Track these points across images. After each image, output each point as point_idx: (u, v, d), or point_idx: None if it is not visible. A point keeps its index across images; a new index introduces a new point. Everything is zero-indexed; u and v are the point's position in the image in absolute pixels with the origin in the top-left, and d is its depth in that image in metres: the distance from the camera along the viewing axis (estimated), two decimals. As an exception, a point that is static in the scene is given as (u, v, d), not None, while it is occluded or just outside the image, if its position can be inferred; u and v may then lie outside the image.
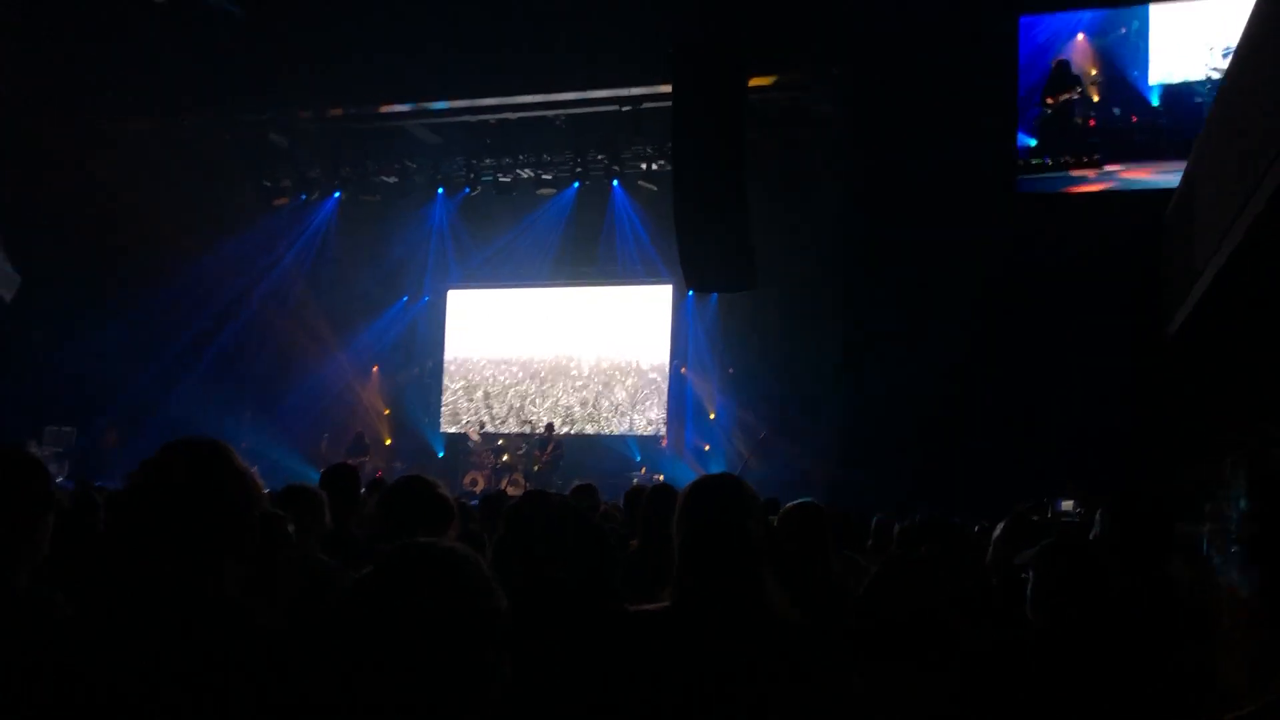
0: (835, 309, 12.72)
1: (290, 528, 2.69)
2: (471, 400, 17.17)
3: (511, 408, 16.87)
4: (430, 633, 1.27)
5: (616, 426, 16.24)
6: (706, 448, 14.72)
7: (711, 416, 14.96)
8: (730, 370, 14.67)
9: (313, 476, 6.15)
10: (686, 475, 12.78)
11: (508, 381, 17.07)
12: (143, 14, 12.93)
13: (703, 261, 11.70)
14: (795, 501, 3.51)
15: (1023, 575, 2.74)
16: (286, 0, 13.25)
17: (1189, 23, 11.52)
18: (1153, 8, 11.65)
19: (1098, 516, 3.12)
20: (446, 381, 17.32)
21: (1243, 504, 1.16)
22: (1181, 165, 9.77)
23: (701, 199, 11.41)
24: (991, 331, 11.24)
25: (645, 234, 15.00)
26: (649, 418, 16.14)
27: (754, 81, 12.00)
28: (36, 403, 13.26)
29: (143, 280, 14.44)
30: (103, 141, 14.11)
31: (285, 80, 13.65)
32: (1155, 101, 11.61)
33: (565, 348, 16.80)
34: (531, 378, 16.97)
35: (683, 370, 15.73)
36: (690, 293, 14.70)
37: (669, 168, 12.86)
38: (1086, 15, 11.93)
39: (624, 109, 13.64)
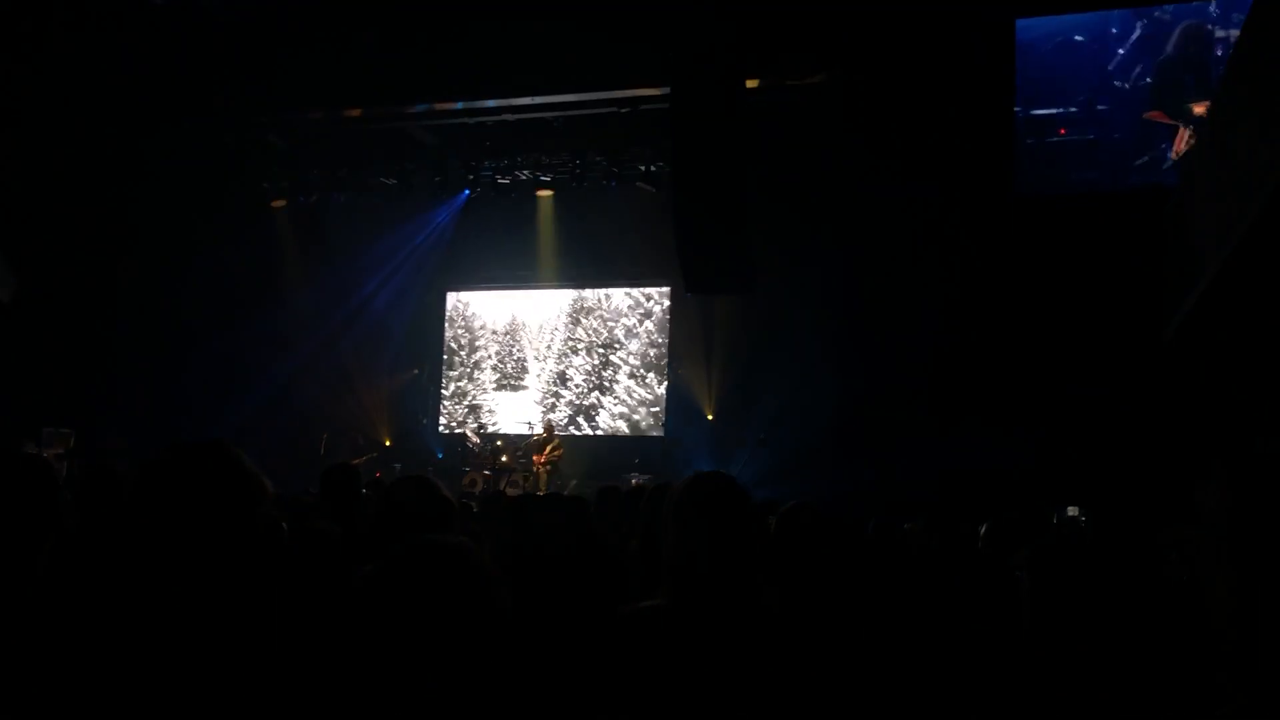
0: (833, 311, 12.74)
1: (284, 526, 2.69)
2: (470, 401, 17.18)
3: (510, 408, 16.87)
4: (437, 626, 1.28)
5: (615, 427, 16.25)
6: (705, 448, 14.72)
7: (710, 418, 14.97)
8: (728, 372, 14.69)
9: (312, 478, 6.15)
10: (684, 476, 12.76)
11: (506, 382, 17.07)
12: (139, 14, 12.93)
13: (701, 263, 11.71)
14: (792, 502, 3.52)
15: (1017, 575, 2.76)
16: (284, 2, 13.25)
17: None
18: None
19: (1088, 517, 3.14)
20: (445, 382, 17.32)
21: (1218, 505, 1.18)
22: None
23: (700, 200, 11.43)
24: (989, 334, 11.26)
25: (644, 235, 14.99)
26: (648, 419, 16.14)
27: (751, 83, 12.01)
28: (34, 404, 13.25)
29: (141, 282, 14.46)
30: (100, 143, 14.11)
31: (283, 82, 13.65)
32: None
33: (564, 349, 16.81)
34: (530, 378, 16.98)
35: (680, 371, 15.74)
36: (689, 294, 14.71)
37: (668, 169, 12.88)
38: (1083, 19, 11.94)
39: (622, 110, 13.65)
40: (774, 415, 13.34)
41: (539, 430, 15.30)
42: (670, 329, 16.08)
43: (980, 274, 11.41)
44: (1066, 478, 9.70)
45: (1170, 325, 9.31)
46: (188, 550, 1.73)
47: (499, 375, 17.13)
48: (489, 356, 17.23)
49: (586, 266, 16.09)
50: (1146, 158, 11.67)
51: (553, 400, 16.71)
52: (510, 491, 13.21)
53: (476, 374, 17.28)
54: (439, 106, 14.39)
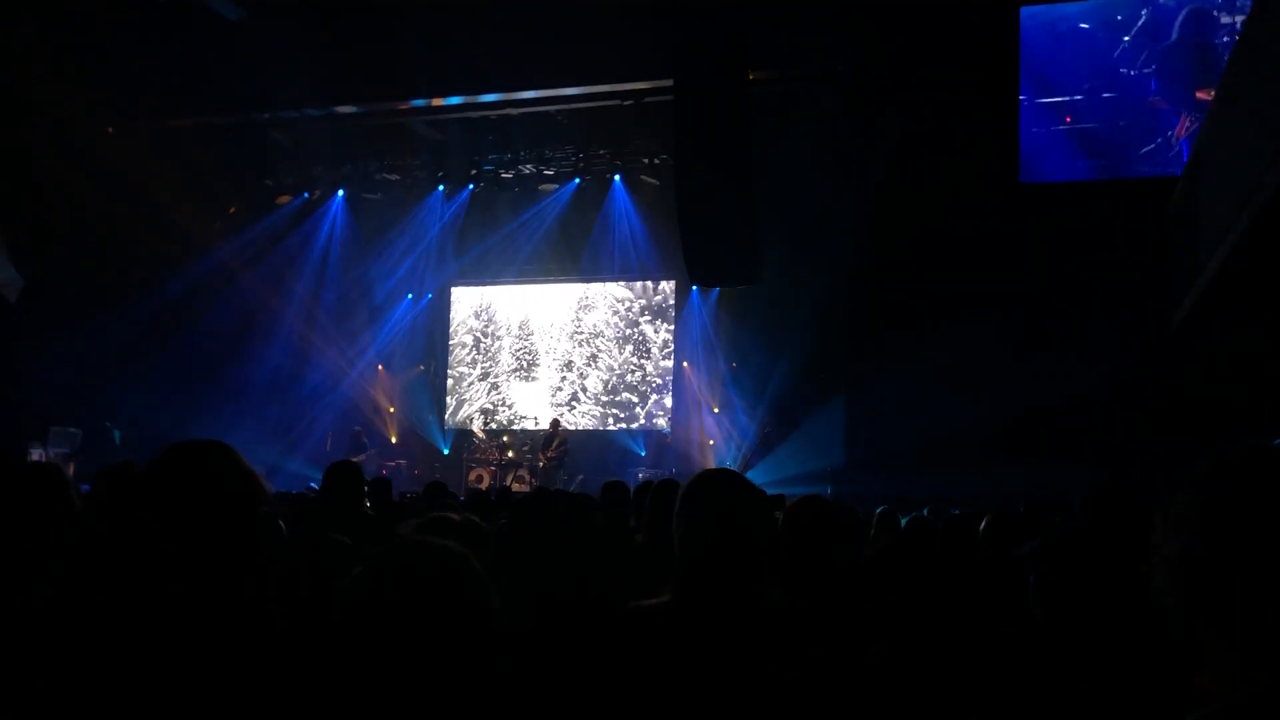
0: (839, 302, 12.71)
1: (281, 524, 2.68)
2: (476, 397, 17.19)
3: (516, 404, 16.88)
4: (424, 630, 1.27)
5: (621, 422, 16.25)
6: (711, 442, 14.72)
7: (715, 411, 14.96)
8: (734, 365, 14.67)
9: (317, 475, 6.16)
10: (691, 470, 12.79)
11: (512, 377, 17.08)
12: (144, 14, 12.94)
13: (706, 256, 11.69)
14: (802, 495, 3.50)
15: (1025, 568, 2.74)
16: (287, -1, 13.26)
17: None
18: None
19: (1085, 503, 3.12)
20: (450, 378, 17.34)
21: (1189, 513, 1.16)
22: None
23: (705, 193, 11.41)
24: (996, 323, 11.22)
25: (649, 228, 14.98)
26: (653, 413, 16.14)
27: (755, 74, 11.98)
28: (41, 403, 13.28)
29: (147, 280, 14.48)
30: (106, 142, 14.13)
31: (287, 78, 13.64)
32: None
33: (569, 343, 16.81)
34: (535, 373, 16.98)
35: (685, 365, 15.73)
36: (694, 287, 14.70)
37: (672, 162, 12.86)
38: (1088, 6, 11.88)
39: (626, 103, 13.62)
40: (779, 409, 13.33)
41: (545, 425, 15.31)
42: (676, 322, 16.07)
43: (987, 262, 11.36)
44: (1071, 468, 9.66)
45: (1178, 312, 9.27)
46: (187, 550, 1.74)
47: (504, 370, 17.14)
48: (494, 352, 17.24)
49: (591, 260, 16.08)
50: (1152, 145, 11.61)
51: (558, 395, 16.71)
52: (516, 486, 13.24)
53: (482, 369, 17.28)
54: (442, 102, 14.37)
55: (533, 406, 16.66)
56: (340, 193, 16.26)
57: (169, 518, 1.75)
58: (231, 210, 15.51)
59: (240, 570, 1.78)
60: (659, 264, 15.43)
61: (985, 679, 2.39)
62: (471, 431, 16.27)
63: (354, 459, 12.96)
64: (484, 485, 14.18)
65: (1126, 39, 11.69)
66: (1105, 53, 11.75)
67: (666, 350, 16.15)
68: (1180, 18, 11.48)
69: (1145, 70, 11.61)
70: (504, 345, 17.18)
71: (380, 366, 16.90)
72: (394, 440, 16.44)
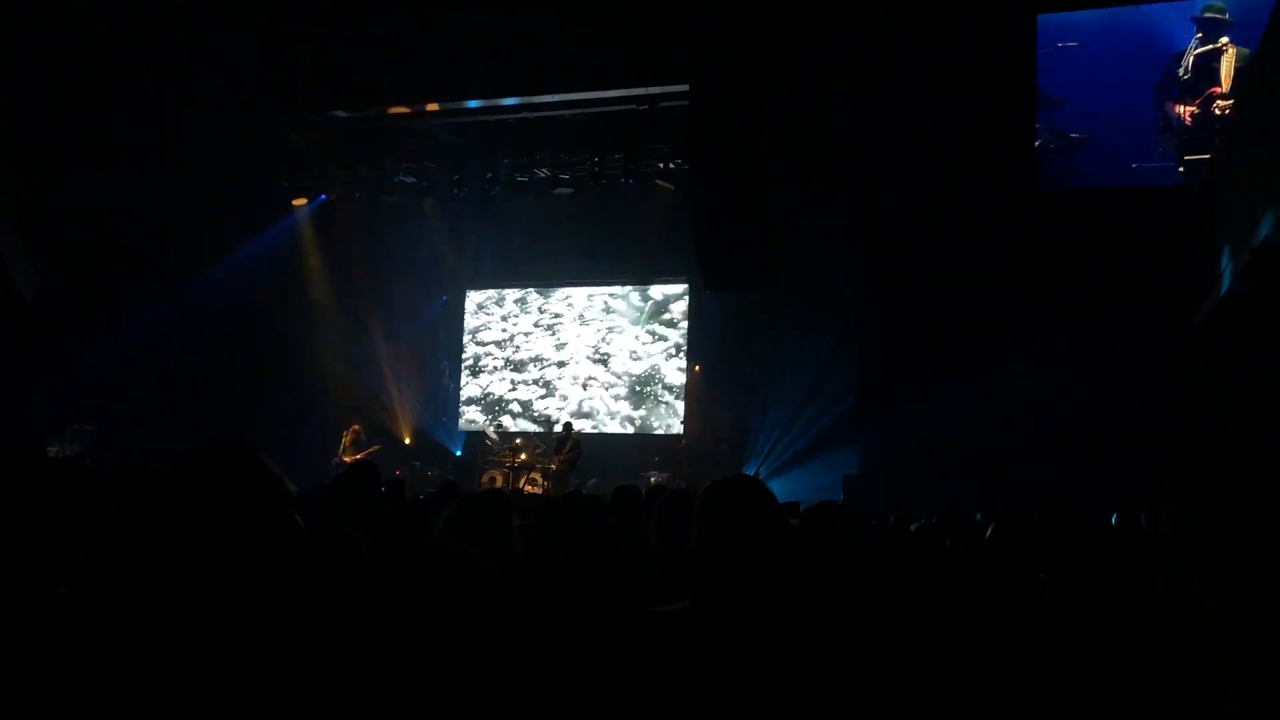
0: (853, 306, 12.68)
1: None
2: (489, 399, 17.22)
3: (529, 406, 16.90)
4: (435, 633, 1.27)
5: (634, 425, 16.25)
6: (724, 446, 14.71)
7: (727, 415, 14.95)
8: (747, 369, 14.66)
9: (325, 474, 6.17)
10: (703, 475, 12.78)
11: (526, 380, 17.10)
12: (161, 14, 13.02)
13: (720, 260, 11.70)
14: (817, 502, 3.50)
15: (1041, 575, 2.74)
16: (304, 2, 13.31)
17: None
18: None
19: (1115, 519, 3.11)
20: (464, 380, 17.37)
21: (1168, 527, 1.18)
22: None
23: (719, 197, 11.41)
24: (1011, 331, 11.18)
25: (662, 233, 14.99)
26: (666, 417, 16.14)
27: (770, 79, 11.97)
28: (60, 401, 13.37)
29: (164, 280, 14.55)
30: (123, 142, 14.21)
31: (304, 80, 13.71)
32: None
33: (583, 347, 16.82)
34: (550, 376, 16.99)
35: (697, 369, 15.73)
36: (707, 291, 14.70)
37: (686, 166, 12.86)
38: (1098, 15, 11.84)
39: (641, 108, 13.63)
40: (794, 413, 13.31)
41: (558, 429, 15.32)
42: (689, 326, 16.06)
43: (1003, 268, 11.32)
44: (1085, 477, 9.62)
45: (1197, 318, 9.23)
46: (213, 553, 1.74)
47: (518, 374, 17.16)
48: (508, 355, 17.26)
49: (605, 264, 16.09)
50: (1168, 151, 11.57)
51: (571, 398, 16.72)
52: (529, 489, 13.26)
53: (495, 372, 17.31)
54: (458, 105, 14.42)
55: (545, 409, 16.67)
56: (356, 195, 16.32)
57: (196, 520, 1.76)
58: (249, 211, 15.56)
59: (265, 572, 1.78)
60: (672, 268, 15.44)
61: (999, 684, 2.39)
62: (484, 434, 16.29)
63: (355, 457, 13.03)
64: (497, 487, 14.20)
65: (1142, 48, 11.65)
66: (1121, 62, 11.71)
67: (679, 354, 16.14)
68: (1193, 29, 11.45)
69: (1159, 79, 11.57)
70: (518, 348, 17.20)
71: (394, 368, 16.94)
72: (407, 442, 16.48)
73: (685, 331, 16.11)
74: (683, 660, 2.09)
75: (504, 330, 17.36)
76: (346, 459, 13.13)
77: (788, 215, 12.26)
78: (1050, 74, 11.94)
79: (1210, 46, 11.38)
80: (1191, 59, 11.43)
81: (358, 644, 1.28)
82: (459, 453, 16.49)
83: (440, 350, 17.28)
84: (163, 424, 13.47)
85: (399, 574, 1.32)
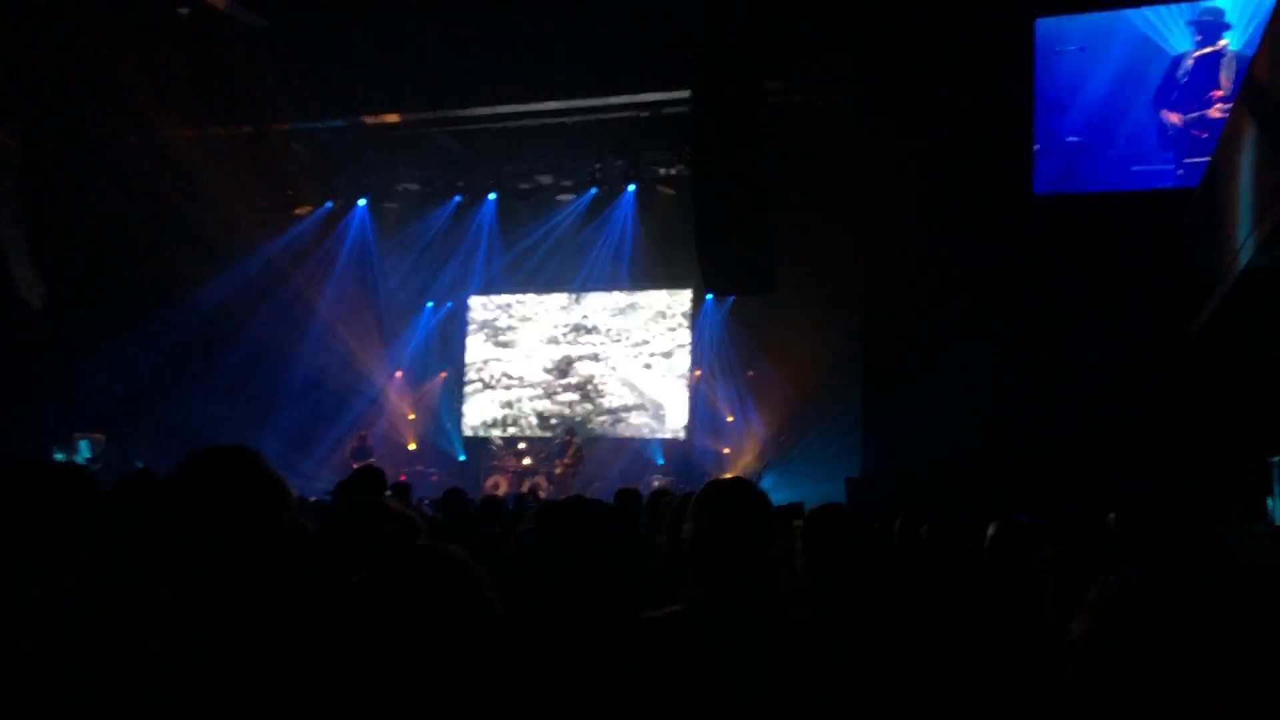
0: (853, 311, 12.69)
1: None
2: (493, 404, 17.23)
3: (533, 411, 16.92)
4: (425, 637, 1.28)
5: (637, 430, 16.26)
6: (726, 450, 14.71)
7: (729, 420, 14.95)
8: (750, 374, 14.67)
9: (330, 481, 6.18)
10: (707, 479, 12.77)
11: (529, 385, 17.12)
12: (166, 23, 13.07)
13: (722, 265, 11.72)
14: (820, 503, 3.51)
15: (1041, 577, 2.75)
16: (308, 10, 13.36)
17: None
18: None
19: (1112, 518, 3.12)
20: (468, 386, 17.39)
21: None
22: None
23: (720, 203, 11.44)
24: (1011, 334, 11.18)
25: (664, 238, 15.02)
26: (669, 421, 16.15)
27: (771, 85, 12.00)
28: (68, 410, 13.40)
29: (170, 287, 14.59)
30: (128, 150, 14.26)
31: (307, 89, 13.75)
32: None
33: (586, 351, 16.84)
34: (553, 381, 17.01)
35: (696, 373, 15.75)
36: (709, 296, 14.71)
37: (688, 172, 12.89)
38: (1103, 17, 11.85)
39: (643, 114, 13.67)
40: (795, 417, 13.32)
41: (561, 433, 15.33)
42: (692, 331, 16.09)
43: (1001, 273, 11.33)
44: (1087, 481, 9.61)
45: (1196, 321, 9.23)
46: (215, 555, 1.76)
47: (522, 378, 17.18)
48: (512, 360, 17.28)
49: (607, 269, 16.12)
50: (1166, 154, 11.57)
51: (574, 403, 16.74)
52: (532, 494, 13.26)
53: (499, 377, 17.33)
54: (462, 112, 14.46)
55: (549, 414, 16.69)
56: (361, 202, 16.36)
57: (192, 522, 1.77)
58: (253, 219, 15.59)
59: (263, 574, 1.79)
60: (675, 273, 15.46)
61: (1000, 687, 2.40)
62: (488, 439, 16.31)
63: (360, 464, 13.06)
64: (501, 492, 14.22)
65: (1138, 52, 11.65)
66: (1118, 66, 11.72)
67: (682, 358, 16.16)
68: (1190, 31, 11.46)
69: (1157, 82, 11.57)
70: (521, 353, 17.22)
71: (398, 374, 16.98)
72: (412, 447, 16.50)
73: (688, 336, 16.13)
74: (675, 663, 2.10)
75: (508, 335, 17.38)
76: (355, 465, 13.17)
77: (789, 220, 12.28)
78: (1048, 78, 11.95)
79: (1209, 49, 11.39)
80: (1190, 61, 11.44)
81: (348, 646, 1.29)
82: (462, 457, 16.51)
83: (444, 355, 17.31)
84: (171, 433, 13.49)
85: (388, 577, 1.32)
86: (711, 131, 11.46)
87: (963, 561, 3.81)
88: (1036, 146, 11.96)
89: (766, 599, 2.18)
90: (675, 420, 16.08)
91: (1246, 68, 8.49)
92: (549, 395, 16.95)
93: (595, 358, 16.76)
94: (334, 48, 13.40)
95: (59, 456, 12.26)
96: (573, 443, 14.71)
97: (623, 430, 16.35)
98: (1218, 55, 11.36)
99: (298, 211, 16.34)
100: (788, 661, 2.12)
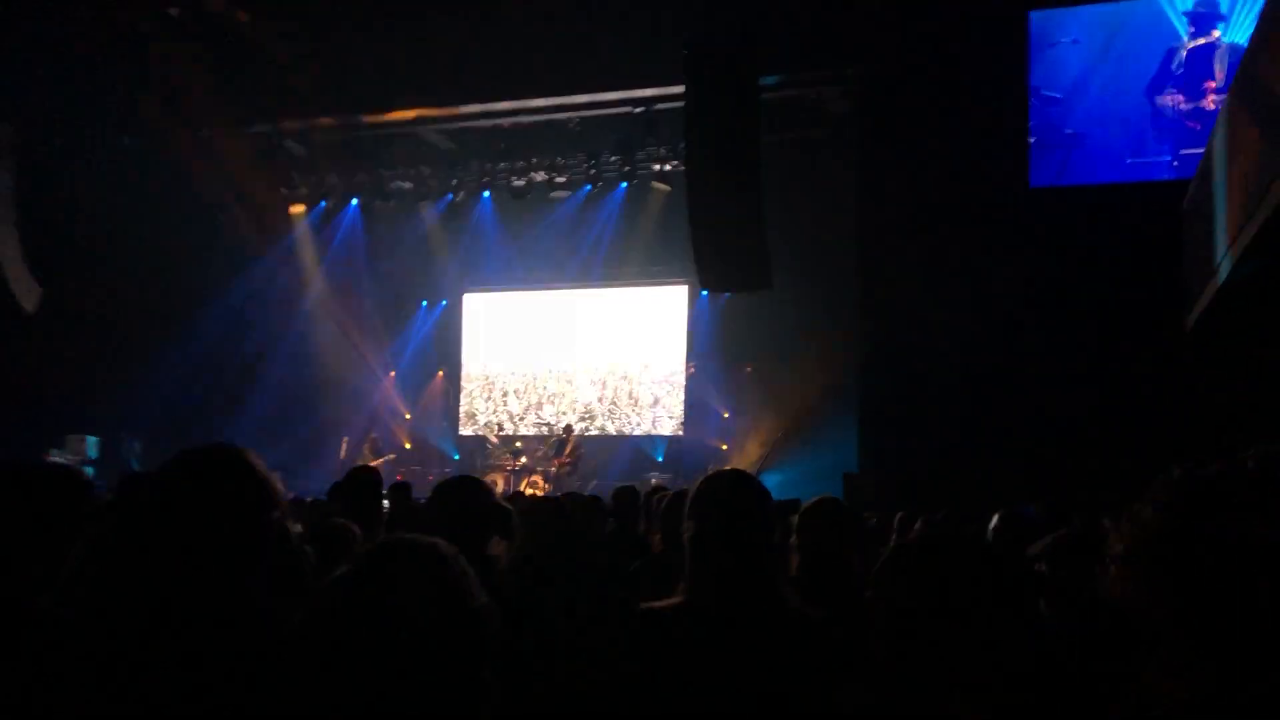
0: (850, 307, 12.69)
1: (297, 528, 2.68)
2: (489, 403, 17.21)
3: (529, 409, 16.90)
4: (408, 630, 1.26)
5: (634, 427, 16.25)
6: (724, 447, 14.70)
7: (725, 416, 14.94)
8: (747, 370, 14.66)
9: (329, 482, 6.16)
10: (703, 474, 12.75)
11: (525, 383, 17.10)
12: (155, 23, 13.02)
13: (717, 261, 11.70)
14: (816, 497, 3.50)
15: (1036, 568, 2.74)
16: (299, 8, 13.32)
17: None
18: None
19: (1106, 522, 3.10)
20: (464, 384, 17.37)
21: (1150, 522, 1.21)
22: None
23: (715, 199, 11.42)
24: (1007, 328, 11.18)
25: (660, 234, 15.00)
26: (666, 418, 16.14)
27: (765, 80, 11.98)
28: (60, 411, 13.37)
29: (161, 289, 14.55)
30: (118, 152, 14.22)
31: (300, 88, 13.71)
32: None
33: (582, 349, 16.82)
34: (549, 379, 17.00)
35: (690, 369, 15.74)
36: (705, 293, 14.70)
37: (683, 168, 12.87)
38: (1097, 10, 11.85)
39: (637, 110, 13.64)
40: (792, 413, 13.31)
41: (558, 432, 15.32)
42: (688, 328, 16.07)
43: (998, 266, 11.33)
44: (1085, 470, 9.61)
45: (1191, 315, 9.23)
46: (201, 555, 1.74)
47: (517, 377, 17.16)
48: (507, 358, 17.26)
49: (602, 267, 16.11)
50: (1161, 146, 11.58)
51: (571, 401, 16.72)
52: (529, 492, 13.26)
53: (495, 376, 17.31)
54: (455, 110, 14.42)
55: (546, 412, 16.67)
56: (354, 201, 16.34)
57: (178, 521, 1.75)
58: (246, 219, 15.56)
59: (249, 574, 1.77)
60: (670, 270, 15.45)
61: (996, 679, 2.39)
62: (484, 437, 16.29)
63: (372, 464, 13.07)
64: (498, 490, 14.20)
65: (1133, 43, 11.65)
66: (1112, 57, 11.72)
67: (679, 355, 16.15)
68: (1185, 22, 11.46)
69: (1152, 73, 11.58)
70: (517, 351, 17.20)
71: (393, 373, 16.97)
72: (408, 446, 16.49)
73: (684, 333, 16.11)
74: (675, 655, 2.09)
75: (502, 333, 17.36)
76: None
77: (784, 216, 12.27)
78: (1043, 70, 11.95)
79: (1203, 40, 11.39)
80: (1185, 53, 11.44)
81: (329, 642, 1.28)
82: (457, 456, 16.50)
83: (439, 354, 17.29)
84: (165, 435, 13.47)
85: (369, 570, 1.31)
86: (706, 127, 11.44)
87: (967, 558, 3.79)
88: (1032, 140, 11.96)
89: (764, 591, 2.16)
90: (673, 417, 16.07)
91: (1240, 60, 8.48)
92: (546, 393, 16.94)
93: (592, 354, 16.74)
94: (326, 46, 13.36)
95: (52, 458, 12.24)
96: (570, 440, 14.70)
97: (621, 428, 16.34)
98: (1212, 46, 11.36)
99: (291, 211, 16.31)
100: (783, 654, 2.11)
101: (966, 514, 5.91)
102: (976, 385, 11.17)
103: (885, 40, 11.93)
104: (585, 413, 16.52)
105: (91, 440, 13.72)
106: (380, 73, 13.45)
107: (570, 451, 14.46)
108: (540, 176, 15.25)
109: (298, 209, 16.37)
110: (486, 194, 15.75)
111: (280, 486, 1.84)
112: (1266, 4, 6.68)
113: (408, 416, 16.77)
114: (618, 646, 2.19)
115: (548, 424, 16.27)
